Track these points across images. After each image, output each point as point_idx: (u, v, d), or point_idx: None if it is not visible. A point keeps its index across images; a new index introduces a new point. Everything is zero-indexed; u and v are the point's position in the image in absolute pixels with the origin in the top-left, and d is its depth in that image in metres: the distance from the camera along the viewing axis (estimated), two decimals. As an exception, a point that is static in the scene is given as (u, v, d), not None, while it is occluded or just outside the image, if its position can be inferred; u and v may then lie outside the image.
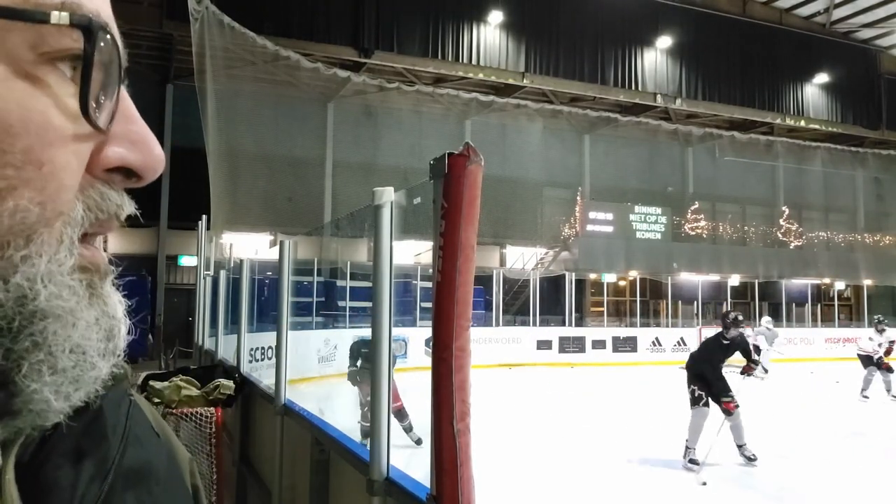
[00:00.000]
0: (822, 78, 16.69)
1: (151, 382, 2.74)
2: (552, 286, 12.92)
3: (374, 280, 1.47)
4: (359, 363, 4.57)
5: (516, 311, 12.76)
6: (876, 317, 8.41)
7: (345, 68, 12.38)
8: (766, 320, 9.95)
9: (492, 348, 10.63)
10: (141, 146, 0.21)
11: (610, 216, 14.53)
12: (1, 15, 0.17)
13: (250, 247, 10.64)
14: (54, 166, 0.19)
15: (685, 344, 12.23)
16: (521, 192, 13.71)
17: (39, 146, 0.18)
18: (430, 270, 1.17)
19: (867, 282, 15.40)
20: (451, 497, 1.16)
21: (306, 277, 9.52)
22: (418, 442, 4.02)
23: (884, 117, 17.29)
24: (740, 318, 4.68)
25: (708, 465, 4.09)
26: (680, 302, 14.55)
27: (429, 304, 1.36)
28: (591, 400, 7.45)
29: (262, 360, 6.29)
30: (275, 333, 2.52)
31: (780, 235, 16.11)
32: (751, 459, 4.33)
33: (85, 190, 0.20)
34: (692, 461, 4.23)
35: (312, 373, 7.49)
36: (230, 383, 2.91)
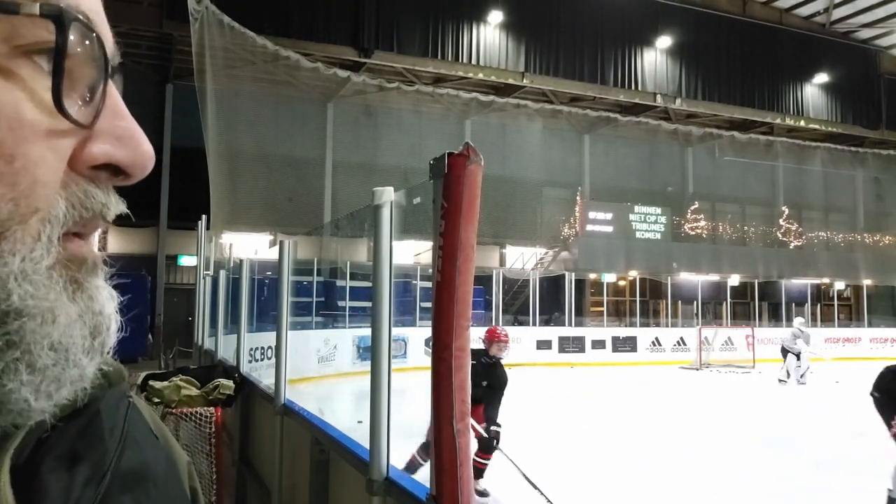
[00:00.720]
0: (822, 78, 16.69)
1: (151, 382, 2.74)
2: (552, 286, 12.92)
3: (374, 280, 1.47)
4: None
5: (516, 311, 12.76)
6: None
7: (345, 68, 12.38)
8: (800, 321, 9.15)
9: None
10: (128, 142, 0.21)
11: (610, 216, 14.53)
12: None
13: (250, 247, 10.64)
14: (27, 161, 0.18)
15: (685, 344, 12.23)
16: (520, 191, 13.70)
17: (11, 140, 0.18)
18: (430, 270, 1.17)
19: (867, 282, 15.40)
20: (450, 497, 1.16)
21: (306, 277, 9.52)
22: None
23: (883, 117, 17.29)
24: None
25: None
26: (680, 302, 14.55)
27: (429, 304, 1.36)
28: (591, 400, 7.45)
29: (262, 360, 6.29)
30: (274, 333, 2.52)
31: (779, 235, 16.11)
32: None
33: (68, 187, 0.19)
34: None
35: (312, 373, 7.48)
36: (230, 383, 2.90)
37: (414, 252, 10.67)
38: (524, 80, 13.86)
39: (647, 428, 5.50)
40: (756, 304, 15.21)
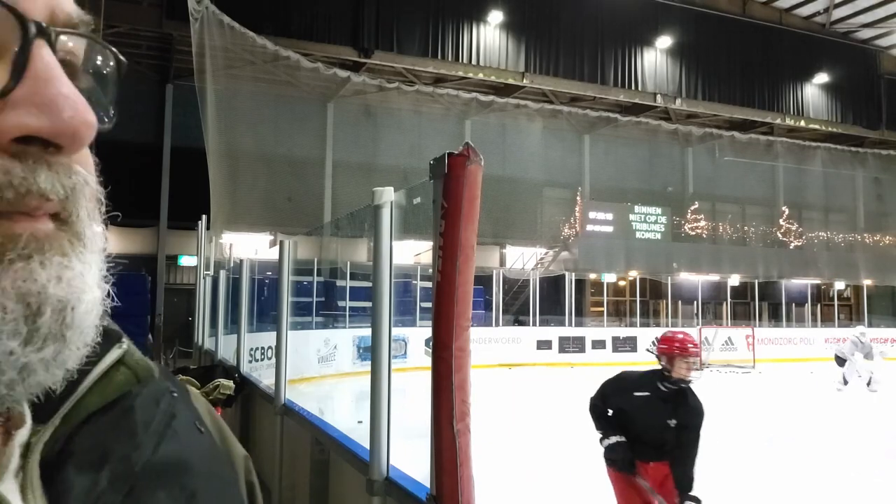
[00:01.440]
0: (822, 78, 16.67)
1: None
2: (552, 286, 12.92)
3: (374, 280, 1.47)
4: None
5: (516, 311, 12.76)
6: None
7: (345, 68, 12.37)
8: (860, 331, 8.57)
9: (491, 348, 10.63)
10: (48, 109, 0.19)
11: (610, 216, 14.52)
12: None
13: (250, 247, 10.64)
14: None
15: (685, 344, 12.18)
16: (520, 192, 13.70)
17: None
18: (430, 270, 1.17)
19: (867, 282, 15.40)
20: (450, 497, 1.16)
21: (306, 277, 9.51)
22: None
23: (883, 117, 17.28)
24: None
25: None
26: (680, 302, 14.54)
27: (429, 304, 1.36)
28: (591, 400, 7.43)
29: (262, 360, 6.29)
30: (274, 333, 2.51)
31: (779, 235, 16.10)
32: None
33: None
34: None
35: (312, 373, 7.48)
36: (230, 383, 2.90)
37: (414, 252, 10.66)
38: (524, 81, 13.86)
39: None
40: (756, 304, 15.19)
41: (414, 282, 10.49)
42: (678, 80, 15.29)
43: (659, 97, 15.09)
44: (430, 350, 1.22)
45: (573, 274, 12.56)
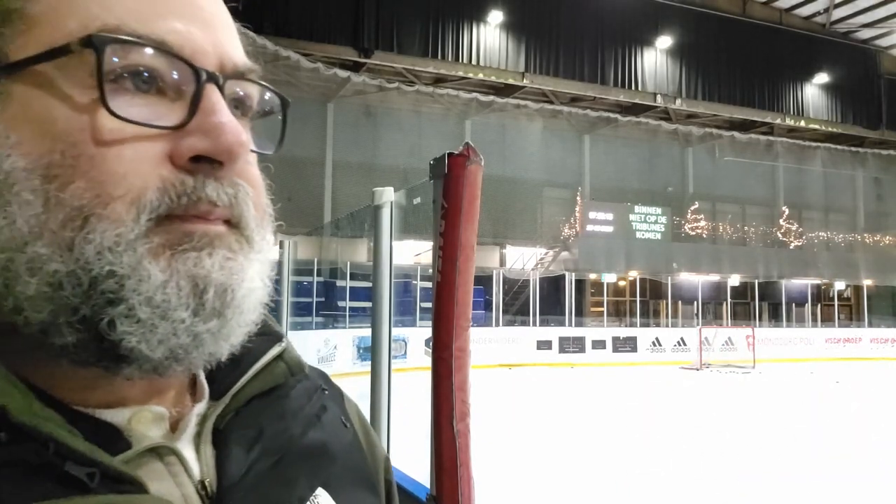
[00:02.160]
0: (822, 78, 16.67)
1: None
2: (552, 286, 12.90)
3: (374, 280, 1.46)
4: None
5: (516, 311, 12.75)
6: None
7: (345, 68, 12.36)
8: None
9: (491, 348, 10.62)
10: (211, 133, 0.25)
11: (610, 216, 14.51)
12: (51, 57, 0.23)
13: (250, 247, 10.57)
14: (100, 159, 0.23)
15: (685, 344, 12.21)
16: (520, 192, 13.68)
17: (83, 144, 0.23)
18: (430, 270, 1.17)
19: (867, 282, 15.39)
20: (450, 497, 1.16)
21: (306, 277, 9.51)
22: None
23: (884, 117, 17.26)
24: None
25: None
26: (680, 302, 14.53)
27: (429, 304, 1.35)
28: (592, 400, 7.45)
29: (262, 360, 6.25)
30: (275, 333, 2.49)
31: (779, 235, 16.09)
32: None
33: (164, 178, 0.24)
34: None
35: (312, 373, 7.44)
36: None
37: (414, 252, 10.66)
38: (524, 81, 13.85)
39: (648, 428, 5.50)
40: (756, 304, 15.19)
41: (414, 282, 10.48)
42: (678, 80, 15.29)
43: (659, 97, 15.08)
44: (430, 350, 1.22)
45: (573, 274, 12.54)
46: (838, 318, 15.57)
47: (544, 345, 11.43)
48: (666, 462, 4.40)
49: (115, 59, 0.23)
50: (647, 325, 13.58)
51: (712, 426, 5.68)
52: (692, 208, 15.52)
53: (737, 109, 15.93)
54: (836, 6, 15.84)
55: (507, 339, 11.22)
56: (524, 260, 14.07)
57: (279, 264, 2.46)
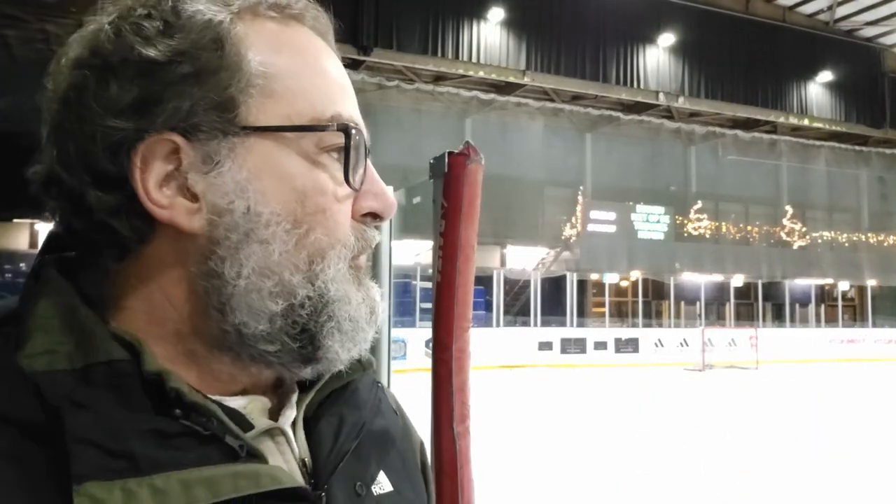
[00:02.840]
0: (826, 76, 16.57)
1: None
2: (553, 287, 12.86)
3: (374, 280, 1.43)
4: None
5: (517, 311, 12.71)
6: None
7: (344, 66, 12.31)
8: None
9: (492, 350, 10.60)
10: (380, 197, 0.34)
11: (612, 216, 14.44)
12: (303, 129, 0.31)
13: (251, 246, 10.56)
14: (332, 213, 0.32)
15: (688, 345, 12.16)
16: (521, 191, 13.64)
17: (324, 202, 0.32)
18: (430, 270, 1.15)
19: (871, 282, 15.30)
20: (450, 500, 1.13)
21: (307, 277, 9.43)
22: None
23: (888, 116, 17.15)
24: None
25: None
26: (683, 302, 14.47)
27: (428, 305, 1.33)
28: (593, 401, 7.41)
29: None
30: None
31: (783, 235, 16.00)
32: None
33: (354, 228, 0.33)
34: None
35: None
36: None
37: (414, 252, 10.64)
38: (525, 79, 13.80)
39: (649, 429, 5.46)
40: (760, 304, 15.11)
41: (413, 282, 10.46)
42: (681, 78, 15.21)
43: (661, 95, 15.01)
44: (430, 351, 1.19)
45: (575, 274, 12.49)
46: (842, 318, 15.48)
47: (545, 346, 11.39)
48: (668, 462, 4.37)
49: (345, 139, 0.32)
50: (650, 326, 13.53)
51: (714, 427, 5.64)
52: (695, 208, 15.44)
53: (740, 108, 15.84)
54: (840, 4, 15.74)
55: (507, 339, 11.19)
56: (525, 260, 14.04)
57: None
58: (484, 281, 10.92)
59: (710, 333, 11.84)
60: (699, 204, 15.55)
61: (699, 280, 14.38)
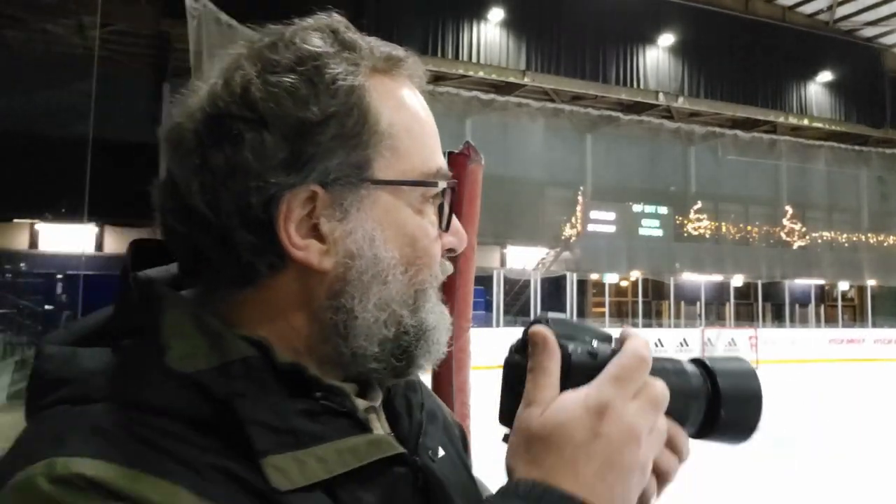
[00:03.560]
0: (826, 76, 16.57)
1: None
2: (553, 287, 12.86)
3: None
4: None
5: (517, 311, 12.72)
6: None
7: (346, 67, 12.29)
8: None
9: (492, 349, 10.58)
10: (458, 235, 0.39)
11: (612, 216, 14.45)
12: (417, 185, 0.36)
13: (251, 246, 10.56)
14: (432, 254, 0.37)
15: (688, 345, 12.16)
16: (521, 191, 13.64)
17: (427, 244, 0.37)
18: (430, 271, 1.14)
19: (871, 282, 15.30)
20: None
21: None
22: None
23: (888, 116, 17.16)
24: None
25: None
26: (682, 302, 14.47)
27: (428, 305, 1.32)
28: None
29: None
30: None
31: (783, 235, 16.01)
32: None
33: (440, 263, 0.39)
34: None
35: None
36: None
37: (415, 252, 10.60)
38: (525, 79, 13.80)
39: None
40: (759, 304, 15.12)
41: (415, 281, 10.41)
42: (680, 79, 15.21)
43: (661, 95, 15.01)
44: (430, 352, 1.19)
45: (575, 274, 12.50)
46: (842, 318, 15.49)
47: (546, 345, 11.34)
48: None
49: (446, 192, 0.38)
50: (650, 326, 13.54)
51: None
52: (695, 208, 15.44)
53: (740, 108, 15.84)
54: (840, 4, 15.74)
55: (507, 339, 11.12)
56: (525, 260, 14.04)
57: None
58: (484, 281, 10.93)
59: (709, 333, 11.84)
60: (699, 204, 15.54)
61: (699, 280, 14.38)
